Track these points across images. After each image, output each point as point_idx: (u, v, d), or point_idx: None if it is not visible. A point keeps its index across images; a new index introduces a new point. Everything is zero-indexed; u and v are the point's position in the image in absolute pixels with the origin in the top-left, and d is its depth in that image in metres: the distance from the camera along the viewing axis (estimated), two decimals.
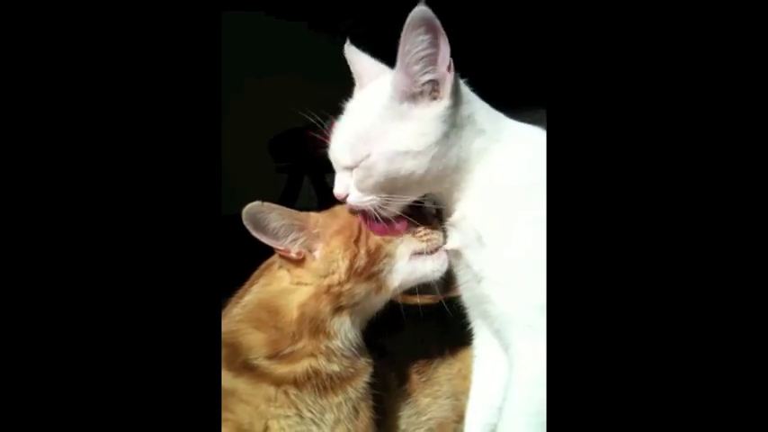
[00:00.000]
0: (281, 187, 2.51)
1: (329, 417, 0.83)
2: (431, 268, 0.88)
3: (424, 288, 0.92)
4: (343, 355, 0.86)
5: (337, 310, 0.85)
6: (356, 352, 0.88)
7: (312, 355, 0.84)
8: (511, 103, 0.91)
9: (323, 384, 0.83)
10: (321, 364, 0.84)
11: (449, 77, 0.76)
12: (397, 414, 0.97)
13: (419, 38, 0.72)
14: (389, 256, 0.87)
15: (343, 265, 0.84)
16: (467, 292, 0.89)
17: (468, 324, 0.95)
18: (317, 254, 0.87)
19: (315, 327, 0.84)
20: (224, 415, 0.77)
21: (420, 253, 0.88)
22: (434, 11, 0.71)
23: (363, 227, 0.87)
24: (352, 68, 0.90)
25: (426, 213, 0.90)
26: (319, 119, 0.87)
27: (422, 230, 0.89)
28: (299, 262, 0.87)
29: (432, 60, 0.75)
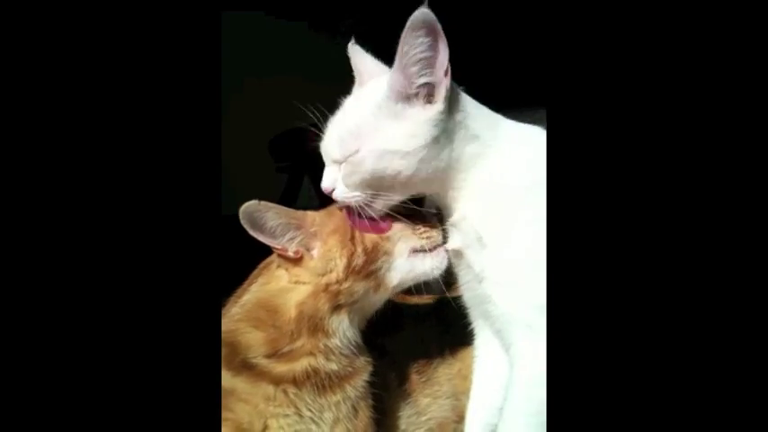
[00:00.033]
0: (282, 187, 2.51)
1: (328, 415, 0.83)
2: (430, 266, 0.88)
3: (424, 288, 0.92)
4: (341, 353, 0.86)
5: (336, 308, 0.85)
6: (355, 351, 0.88)
7: (311, 353, 0.84)
8: (511, 103, 0.91)
9: (322, 383, 0.83)
10: (320, 362, 0.84)
11: (444, 82, 0.76)
12: (397, 414, 0.97)
13: (418, 40, 0.73)
14: (388, 253, 0.87)
15: (340, 264, 0.84)
16: (468, 292, 0.89)
17: (469, 324, 0.95)
18: (314, 252, 0.87)
19: (313, 325, 0.84)
20: (223, 414, 0.77)
21: (419, 251, 0.88)
22: (436, 11, 0.71)
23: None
24: (353, 66, 0.91)
25: (426, 212, 0.90)
26: (320, 117, 0.87)
27: (421, 228, 0.89)
28: (297, 261, 0.87)
29: (429, 63, 0.75)
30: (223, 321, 0.86)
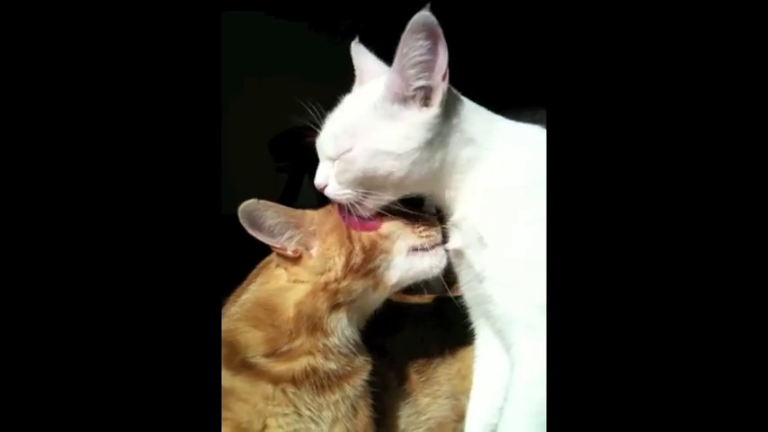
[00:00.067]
0: (282, 187, 2.51)
1: (327, 415, 0.83)
2: (429, 264, 0.88)
3: (424, 287, 0.92)
4: (340, 352, 0.86)
5: (334, 307, 0.85)
6: (354, 350, 0.88)
7: (310, 352, 0.84)
8: (511, 103, 0.91)
9: (320, 382, 0.83)
10: (319, 361, 0.84)
11: (442, 86, 0.76)
12: (397, 413, 0.97)
13: (418, 43, 0.72)
14: (386, 252, 0.87)
15: (339, 262, 0.84)
16: (469, 292, 0.89)
17: (469, 324, 0.95)
18: (313, 251, 0.87)
19: (312, 324, 0.84)
20: (223, 413, 0.77)
21: (418, 249, 0.88)
22: (436, 11, 0.71)
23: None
24: (355, 65, 0.91)
25: (425, 211, 0.91)
26: (319, 115, 0.87)
27: (420, 227, 0.89)
28: (295, 260, 0.87)
29: (428, 67, 0.75)
30: (222, 321, 0.86)
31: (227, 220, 0.76)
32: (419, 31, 0.72)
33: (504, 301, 0.79)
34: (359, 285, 0.86)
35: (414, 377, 1.01)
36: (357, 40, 0.91)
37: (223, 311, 0.89)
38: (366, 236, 0.86)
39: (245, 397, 0.80)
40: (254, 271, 0.94)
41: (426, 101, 0.77)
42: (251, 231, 0.84)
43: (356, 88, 0.90)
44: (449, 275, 0.91)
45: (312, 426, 0.82)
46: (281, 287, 0.87)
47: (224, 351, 0.82)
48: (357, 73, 0.91)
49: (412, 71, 0.75)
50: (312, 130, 0.87)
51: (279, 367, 0.82)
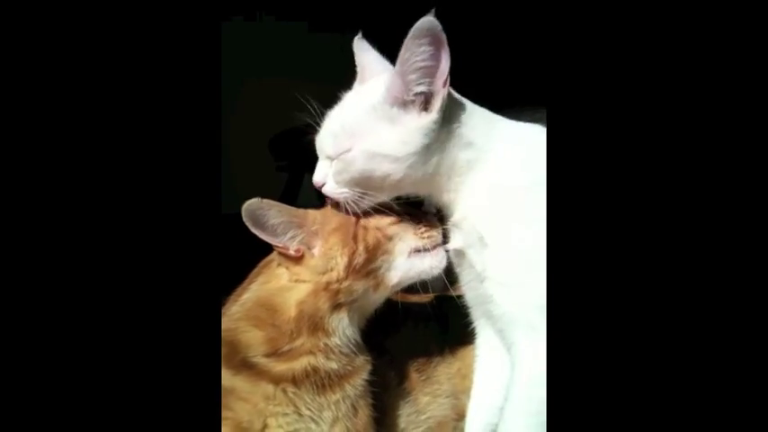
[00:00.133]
0: (282, 186, 2.51)
1: (327, 414, 0.83)
2: (429, 265, 0.88)
3: (424, 286, 0.92)
4: (341, 352, 0.86)
5: (336, 307, 0.85)
6: (354, 349, 0.88)
7: (310, 352, 0.84)
8: (511, 102, 0.91)
9: (321, 382, 0.83)
10: (319, 361, 0.84)
11: (442, 93, 0.76)
12: (397, 412, 0.97)
13: (421, 48, 0.72)
14: (388, 252, 0.87)
15: (341, 262, 0.84)
16: (470, 291, 0.90)
17: (470, 324, 0.95)
18: (315, 251, 0.87)
19: (313, 324, 0.84)
20: (223, 413, 0.77)
21: (419, 250, 0.88)
22: (437, 11, 0.70)
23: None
24: (357, 61, 0.90)
25: (425, 210, 0.91)
26: (318, 114, 0.87)
27: (421, 228, 0.89)
28: (297, 259, 0.87)
29: (429, 73, 0.74)
30: (223, 320, 0.86)
31: (228, 220, 0.76)
32: (423, 36, 0.71)
33: (504, 301, 0.79)
34: (360, 285, 0.86)
35: (414, 376, 1.01)
36: (360, 35, 0.91)
37: (224, 311, 0.89)
38: (371, 236, 0.86)
39: (245, 396, 0.80)
40: (255, 270, 0.94)
41: (426, 106, 0.77)
42: (254, 230, 0.84)
43: (357, 85, 0.90)
44: (450, 275, 0.91)
45: (312, 425, 0.82)
46: (282, 287, 0.87)
47: (224, 350, 0.82)
48: (359, 69, 0.90)
49: (413, 76, 0.75)
50: (313, 129, 0.87)
51: (279, 367, 0.82)
